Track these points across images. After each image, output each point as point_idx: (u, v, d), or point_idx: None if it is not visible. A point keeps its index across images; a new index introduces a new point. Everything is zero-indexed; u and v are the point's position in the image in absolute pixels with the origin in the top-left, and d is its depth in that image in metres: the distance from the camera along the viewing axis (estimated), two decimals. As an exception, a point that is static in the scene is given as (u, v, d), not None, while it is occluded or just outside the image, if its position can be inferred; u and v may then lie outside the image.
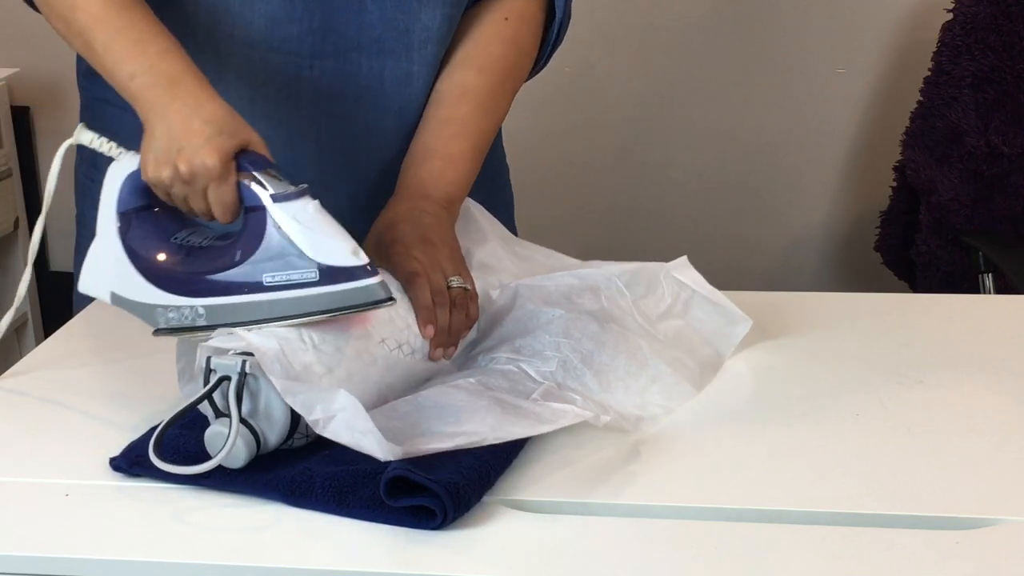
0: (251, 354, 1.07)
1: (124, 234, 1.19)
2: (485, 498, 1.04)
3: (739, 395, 1.26)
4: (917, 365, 1.29)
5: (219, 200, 1.15)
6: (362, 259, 1.12)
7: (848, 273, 2.96)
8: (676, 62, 2.86)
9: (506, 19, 1.45)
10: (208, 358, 1.08)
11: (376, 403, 1.16)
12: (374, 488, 1.01)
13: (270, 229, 1.12)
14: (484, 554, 0.98)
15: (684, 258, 1.36)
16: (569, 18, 1.50)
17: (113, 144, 1.21)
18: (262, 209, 1.13)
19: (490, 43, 1.44)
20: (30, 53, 2.96)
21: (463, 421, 1.09)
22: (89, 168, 1.50)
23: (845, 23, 2.79)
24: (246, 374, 1.06)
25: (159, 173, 1.16)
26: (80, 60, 1.51)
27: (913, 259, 2.55)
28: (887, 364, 1.30)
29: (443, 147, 1.39)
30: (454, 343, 1.22)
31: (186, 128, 1.15)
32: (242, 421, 1.05)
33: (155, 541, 1.01)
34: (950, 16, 2.43)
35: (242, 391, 1.06)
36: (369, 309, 1.13)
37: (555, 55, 1.55)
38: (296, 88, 1.40)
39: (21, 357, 1.33)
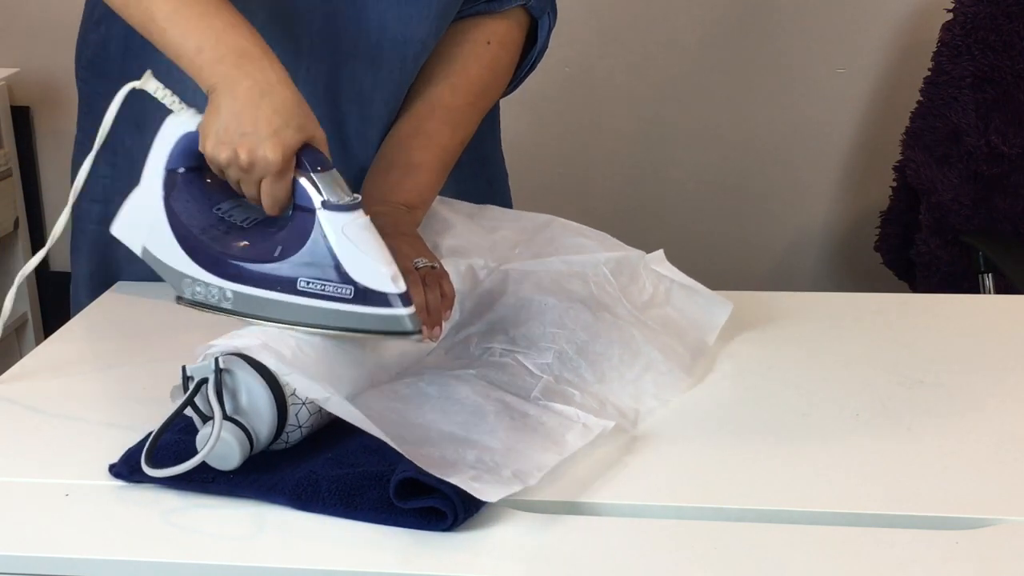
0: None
1: (168, 192, 1.18)
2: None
3: (739, 395, 1.26)
4: (917, 365, 1.29)
5: (271, 194, 1.14)
6: (400, 287, 1.11)
7: (848, 273, 2.96)
8: (676, 62, 2.86)
9: (488, 43, 1.44)
10: (183, 367, 1.08)
11: (369, 382, 1.16)
12: (380, 490, 1.01)
13: (316, 235, 1.12)
14: (490, 555, 0.98)
15: (660, 252, 1.38)
16: (546, 48, 1.50)
17: (176, 98, 1.19)
18: (312, 212, 1.12)
19: (468, 64, 1.44)
20: (30, 53, 2.96)
21: (471, 428, 1.09)
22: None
23: (845, 23, 2.79)
24: (221, 370, 1.06)
25: (217, 153, 1.14)
26: (81, 54, 1.51)
27: (913, 259, 2.55)
28: (887, 364, 1.30)
29: (404, 158, 1.39)
30: (437, 322, 1.21)
31: (254, 113, 1.13)
32: (230, 419, 1.05)
33: (156, 542, 1.01)
34: (950, 16, 2.43)
35: (221, 389, 1.06)
36: (397, 338, 1.13)
37: (554, 55, 1.55)
38: None
39: (21, 358, 1.33)
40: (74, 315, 1.48)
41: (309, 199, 1.12)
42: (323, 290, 1.11)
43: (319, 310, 1.12)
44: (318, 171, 1.13)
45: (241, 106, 1.13)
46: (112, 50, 1.45)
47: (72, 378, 1.30)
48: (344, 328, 1.12)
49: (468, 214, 1.42)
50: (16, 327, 2.95)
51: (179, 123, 1.18)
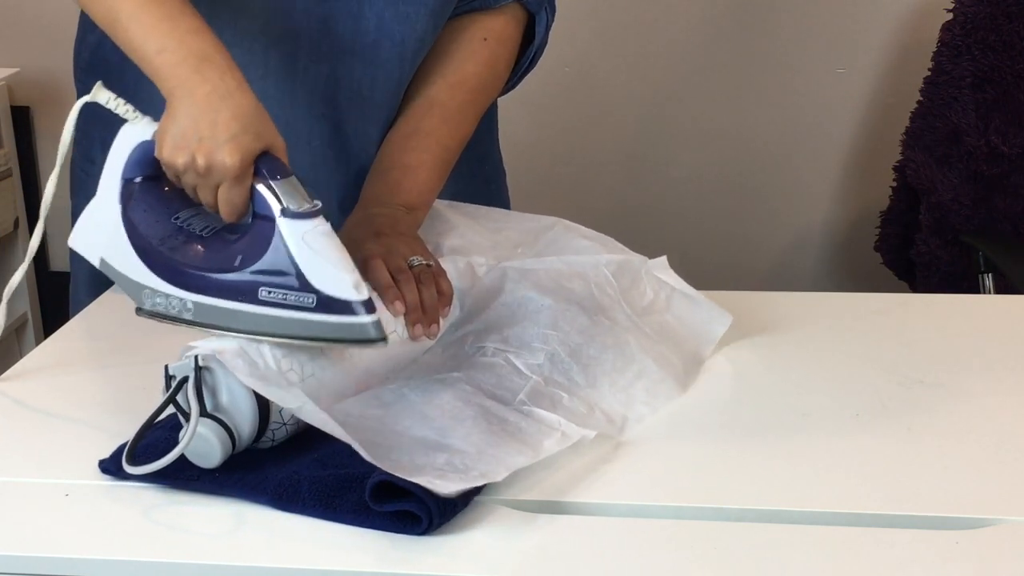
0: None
1: (125, 202, 1.17)
2: (482, 498, 1.03)
3: (739, 395, 1.26)
4: (917, 365, 1.29)
5: (228, 201, 1.13)
6: (363, 294, 1.10)
7: (848, 273, 2.96)
8: (676, 62, 2.86)
9: (485, 39, 1.44)
10: (166, 366, 1.07)
11: (356, 388, 1.16)
12: (361, 492, 1.01)
13: (276, 243, 1.10)
14: (479, 554, 0.98)
15: (664, 258, 1.37)
16: (545, 44, 1.49)
17: (130, 107, 1.18)
18: (272, 221, 1.10)
19: (465, 61, 1.44)
20: (30, 53, 2.96)
21: (447, 433, 1.09)
22: (84, 162, 1.50)
23: (845, 23, 2.79)
24: (201, 367, 1.06)
25: (174, 158, 1.13)
26: (79, 55, 1.51)
27: (913, 259, 2.55)
28: (887, 364, 1.30)
29: (403, 158, 1.38)
30: (434, 320, 1.20)
31: (212, 118, 1.12)
32: (212, 416, 1.05)
33: (154, 542, 1.01)
34: (950, 16, 2.43)
35: (201, 386, 1.05)
36: (360, 346, 1.12)
37: (554, 55, 1.54)
38: (291, 87, 1.40)
39: (21, 357, 1.33)
40: (74, 315, 1.48)
41: (268, 207, 1.11)
42: (285, 299, 1.10)
43: (281, 319, 1.10)
44: (277, 179, 1.11)
45: (199, 110, 1.12)
46: (108, 51, 1.44)
47: (72, 378, 1.30)
48: (307, 337, 1.10)
49: (472, 215, 1.42)
50: (16, 327, 2.95)
51: (135, 132, 1.17)
